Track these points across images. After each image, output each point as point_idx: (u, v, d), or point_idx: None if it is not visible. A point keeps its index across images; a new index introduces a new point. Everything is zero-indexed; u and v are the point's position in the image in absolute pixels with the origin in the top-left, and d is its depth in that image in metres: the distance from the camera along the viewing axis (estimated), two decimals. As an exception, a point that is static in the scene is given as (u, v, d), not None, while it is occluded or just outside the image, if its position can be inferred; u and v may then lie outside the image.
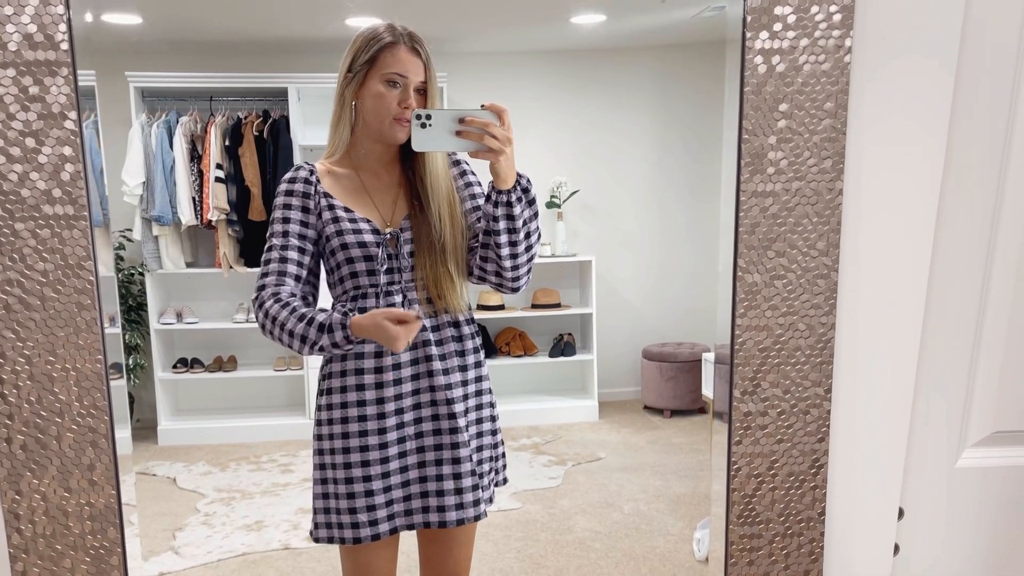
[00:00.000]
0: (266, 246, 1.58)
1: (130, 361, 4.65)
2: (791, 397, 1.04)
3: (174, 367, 4.89)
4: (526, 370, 5.34)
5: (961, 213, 1.07)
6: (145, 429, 4.81)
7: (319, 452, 1.60)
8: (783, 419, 1.05)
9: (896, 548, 1.23)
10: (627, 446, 4.60)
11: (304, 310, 1.49)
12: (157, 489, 4.08)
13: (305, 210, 1.56)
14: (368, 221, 1.56)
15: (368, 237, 1.55)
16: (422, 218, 1.56)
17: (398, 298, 1.55)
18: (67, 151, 0.91)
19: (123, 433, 1.03)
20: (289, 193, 1.56)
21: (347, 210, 1.56)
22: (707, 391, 3.17)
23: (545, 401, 5.20)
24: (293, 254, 1.56)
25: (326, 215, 1.56)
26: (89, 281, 0.93)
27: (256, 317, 1.53)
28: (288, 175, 1.59)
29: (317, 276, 1.61)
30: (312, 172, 1.58)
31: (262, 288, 1.54)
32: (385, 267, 1.55)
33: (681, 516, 3.56)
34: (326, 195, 1.56)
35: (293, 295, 1.55)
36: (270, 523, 3.58)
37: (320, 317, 1.46)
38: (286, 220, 1.56)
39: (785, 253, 1.02)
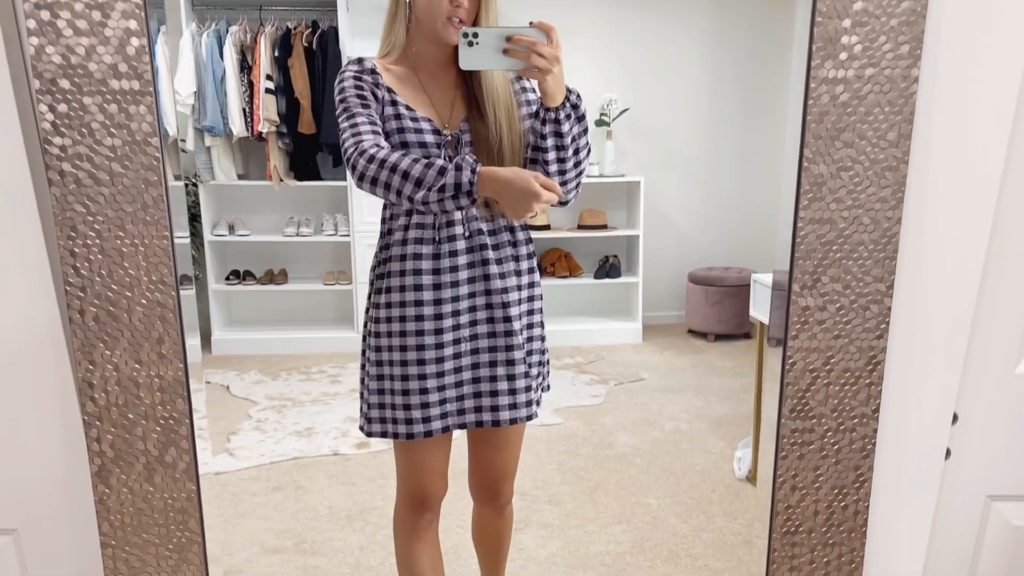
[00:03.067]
0: (344, 119, 1.50)
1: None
2: (851, 292, 1.02)
3: (227, 279, 5.00)
4: (571, 291, 5.35)
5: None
6: (200, 339, 4.96)
7: (376, 349, 1.62)
8: (841, 314, 1.03)
9: (948, 452, 1.23)
10: (670, 368, 4.62)
11: (419, 157, 1.43)
12: (211, 396, 4.23)
13: (374, 96, 1.52)
14: (429, 121, 1.54)
15: (429, 138, 1.53)
16: (480, 122, 1.54)
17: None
18: (132, 24, 0.91)
19: (193, 340, 1.06)
20: (358, 78, 1.51)
21: (409, 108, 1.54)
22: (755, 313, 3.15)
23: (589, 322, 5.22)
24: (373, 126, 1.49)
25: (388, 110, 1.53)
26: (155, 158, 0.94)
27: (354, 166, 1.43)
28: (351, 65, 1.54)
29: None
30: (373, 68, 1.57)
31: (359, 140, 1.45)
32: None
33: (722, 436, 3.58)
34: (389, 90, 1.53)
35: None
36: (320, 430, 3.69)
37: (440, 161, 1.40)
38: (359, 93, 1.50)
39: (854, 144, 0.99)
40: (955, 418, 1.22)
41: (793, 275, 1.01)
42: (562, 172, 1.52)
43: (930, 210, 1.04)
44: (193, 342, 1.07)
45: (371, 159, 1.42)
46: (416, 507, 1.75)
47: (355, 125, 1.48)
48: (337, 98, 1.53)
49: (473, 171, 1.38)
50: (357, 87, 1.52)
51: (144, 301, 0.98)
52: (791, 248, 1.01)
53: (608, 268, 5.15)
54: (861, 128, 0.98)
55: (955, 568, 1.34)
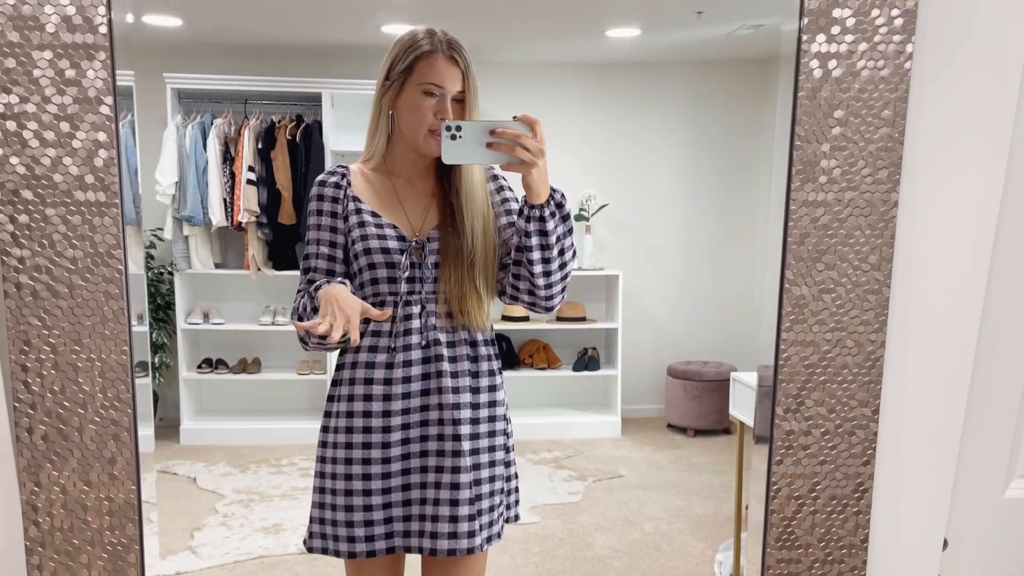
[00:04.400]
0: (304, 254, 1.57)
1: (155, 359, 4.68)
2: (836, 417, 0.99)
3: (199, 367, 4.90)
4: (549, 383, 5.29)
5: (1022, 233, 1.02)
6: (168, 428, 4.81)
7: (321, 460, 1.56)
8: (827, 440, 1.00)
9: (939, 581, 1.18)
10: (649, 464, 4.53)
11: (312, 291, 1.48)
12: (177, 488, 4.08)
13: (334, 215, 1.53)
14: (395, 227, 1.52)
15: (392, 244, 1.51)
16: (452, 230, 1.51)
17: (416, 308, 1.51)
18: (101, 136, 0.89)
19: (146, 431, 1.01)
20: (320, 198, 1.54)
21: (374, 215, 1.53)
22: (734, 411, 3.11)
23: (567, 415, 5.15)
24: (322, 264, 1.54)
25: (352, 219, 1.52)
26: (118, 271, 0.91)
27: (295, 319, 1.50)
28: (320, 177, 1.57)
29: (351, 278, 1.59)
30: (344, 176, 1.56)
31: (300, 285, 1.54)
32: (407, 275, 1.51)
33: (703, 537, 3.49)
34: (355, 199, 1.53)
35: None
36: (288, 527, 3.56)
37: (315, 287, 1.47)
38: (318, 227, 1.54)
39: (835, 266, 0.98)
40: (945, 543, 1.18)
41: (776, 398, 0.99)
42: (547, 274, 1.47)
43: (913, 333, 1.03)
44: (147, 432, 1.01)
45: (296, 306, 1.51)
46: None
47: (304, 271, 1.56)
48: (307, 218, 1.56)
49: (327, 282, 1.45)
50: (317, 211, 1.55)
51: (97, 419, 0.93)
52: (774, 371, 0.98)
53: (587, 360, 5.12)
54: (842, 251, 0.98)
55: None
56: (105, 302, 0.92)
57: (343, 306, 1.37)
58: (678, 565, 3.22)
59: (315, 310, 1.45)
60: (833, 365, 0.99)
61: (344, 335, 1.34)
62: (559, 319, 5.09)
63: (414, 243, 1.52)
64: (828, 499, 1.01)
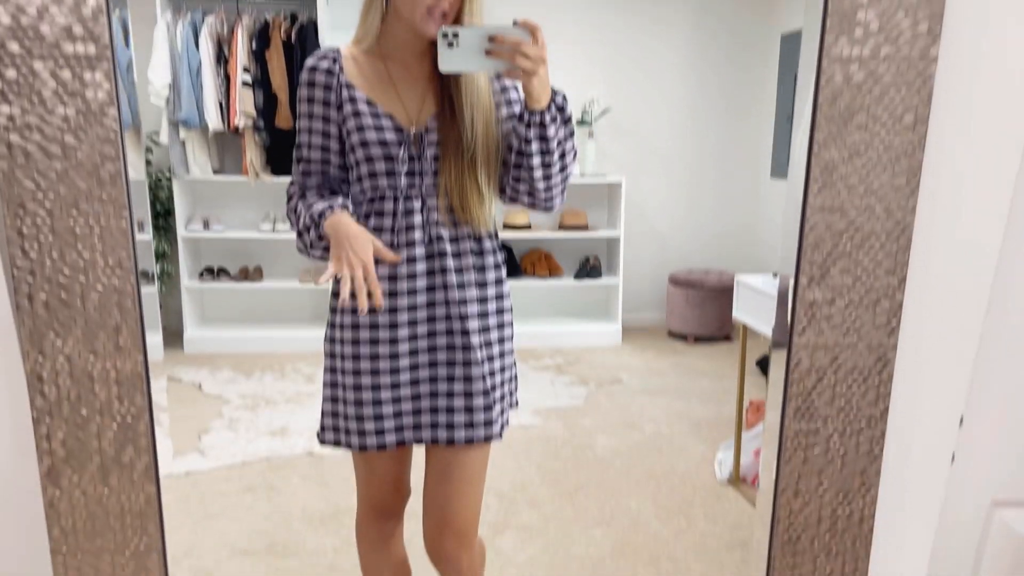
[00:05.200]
0: (295, 142, 1.52)
1: (157, 268, 4.65)
2: (861, 286, 0.96)
3: (200, 276, 4.88)
4: (551, 292, 5.28)
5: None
6: (171, 336, 4.82)
7: (330, 356, 1.55)
8: (850, 310, 0.97)
9: (953, 457, 1.18)
10: (650, 370, 4.57)
11: (312, 206, 1.46)
12: (182, 394, 4.12)
13: (326, 104, 1.47)
14: (391, 117, 1.46)
15: (389, 136, 1.45)
16: (451, 120, 1.45)
17: (417, 203, 1.47)
18: (89, -19, 0.83)
19: (154, 338, 0.99)
20: (311, 84, 1.47)
21: (370, 103, 1.46)
22: (738, 314, 3.11)
23: (569, 324, 5.16)
24: (315, 154, 1.50)
25: (347, 108, 1.46)
26: (113, 130, 0.86)
27: (290, 221, 1.52)
28: (310, 62, 1.49)
29: (346, 169, 1.54)
30: (335, 60, 1.48)
31: (289, 198, 1.53)
32: (406, 169, 1.46)
33: (703, 439, 3.53)
34: (348, 86, 1.46)
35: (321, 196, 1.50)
36: (294, 430, 3.60)
37: (313, 208, 1.45)
38: (309, 116, 1.49)
39: (868, 127, 0.93)
40: (961, 420, 1.17)
41: (800, 267, 0.95)
42: (547, 177, 1.44)
43: (945, 199, 0.99)
44: (155, 339, 0.99)
45: (288, 202, 1.51)
46: (376, 516, 1.67)
47: (297, 161, 1.53)
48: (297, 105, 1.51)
49: (331, 207, 1.42)
50: (309, 99, 1.49)
51: (100, 287, 0.90)
52: (799, 238, 0.95)
53: (589, 269, 5.10)
54: (876, 111, 0.93)
55: (957, 575, 1.29)
56: (101, 164, 0.87)
57: (356, 249, 1.36)
58: (678, 465, 3.27)
59: (320, 237, 1.43)
60: (861, 232, 0.96)
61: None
62: (561, 227, 5.05)
63: (412, 134, 1.46)
64: (849, 370, 0.99)
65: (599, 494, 3.00)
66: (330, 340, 1.55)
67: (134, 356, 0.92)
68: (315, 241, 1.44)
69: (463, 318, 1.50)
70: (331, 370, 1.56)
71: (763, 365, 4.29)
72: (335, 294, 1.54)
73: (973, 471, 1.22)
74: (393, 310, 1.49)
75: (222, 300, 5.07)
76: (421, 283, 1.48)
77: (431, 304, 1.50)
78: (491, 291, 1.55)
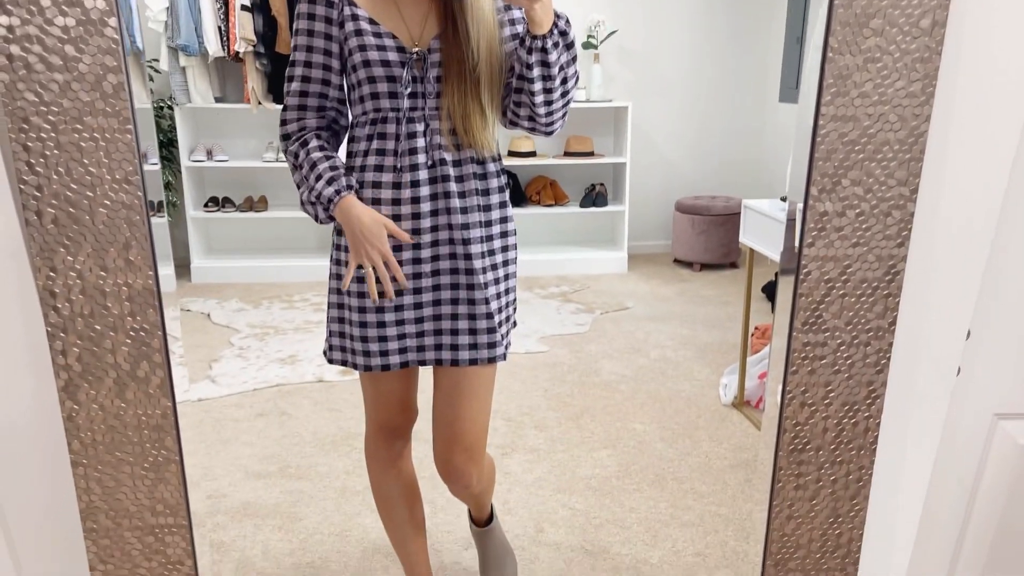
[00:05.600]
0: (290, 59, 1.48)
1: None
2: (873, 197, 0.95)
3: (205, 206, 4.87)
4: (556, 220, 5.27)
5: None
6: (178, 267, 4.84)
7: (338, 277, 1.57)
8: (861, 220, 0.97)
9: (959, 370, 1.19)
10: (656, 297, 4.58)
11: (319, 175, 1.44)
12: (191, 323, 4.16)
13: (328, 20, 1.43)
14: (394, 37, 1.43)
15: (392, 56, 1.42)
16: (454, 41, 1.42)
17: (420, 126, 1.45)
18: None
19: (166, 270, 0.99)
20: (311, 1, 1.44)
21: (372, 22, 1.43)
22: (744, 239, 3.09)
23: (574, 251, 5.16)
24: (316, 73, 1.46)
25: (349, 26, 1.42)
26: (114, 40, 0.84)
27: (286, 157, 1.51)
28: None
29: (344, 94, 1.52)
30: None
31: (284, 123, 1.50)
32: (408, 90, 1.44)
33: (708, 363, 3.57)
34: (350, 3, 1.43)
35: (319, 130, 1.49)
36: (303, 358, 3.64)
37: (317, 184, 1.44)
38: (309, 33, 1.45)
39: (883, 32, 0.91)
40: (968, 334, 1.18)
41: (811, 178, 0.94)
42: (548, 103, 1.44)
43: (960, 107, 0.97)
44: (167, 270, 0.99)
45: (294, 159, 1.49)
46: (384, 436, 1.71)
47: (290, 79, 1.49)
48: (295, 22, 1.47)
49: (338, 191, 1.42)
50: (309, 15, 1.45)
51: (107, 202, 0.90)
52: (810, 148, 0.93)
53: (595, 196, 5.07)
54: (892, 14, 0.90)
55: (958, 486, 1.32)
56: (103, 76, 0.86)
57: (373, 241, 1.41)
58: (683, 388, 3.31)
59: (329, 217, 1.46)
60: (874, 142, 0.94)
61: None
62: (566, 154, 5.00)
63: (415, 55, 1.43)
64: (858, 282, 0.99)
65: (605, 417, 3.05)
66: (336, 262, 1.56)
67: (145, 272, 0.92)
68: (322, 218, 1.47)
69: (466, 242, 1.50)
70: (337, 291, 1.57)
71: (769, 291, 4.30)
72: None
73: (977, 384, 1.23)
74: None
75: (228, 230, 5.07)
76: (426, 207, 1.48)
77: (435, 228, 1.50)
78: (495, 214, 1.56)
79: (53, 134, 0.86)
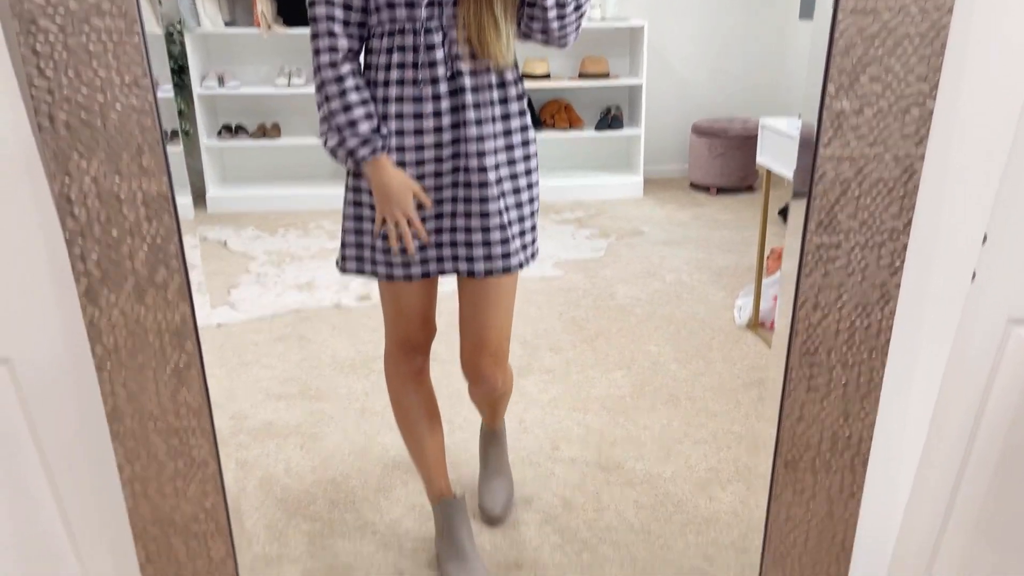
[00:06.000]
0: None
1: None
2: (891, 94, 0.93)
3: (218, 134, 4.85)
4: (571, 144, 5.21)
5: None
6: (194, 197, 4.85)
7: (355, 190, 1.58)
8: (879, 119, 0.95)
9: (974, 275, 1.18)
10: (671, 221, 4.56)
11: (354, 114, 1.46)
12: (208, 251, 4.19)
13: None
14: None
15: None
16: None
17: (437, 36, 1.44)
18: None
19: (184, 199, 1.00)
20: None
21: None
22: (762, 159, 3.06)
23: (590, 176, 5.12)
24: (331, 5, 1.44)
25: None
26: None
27: (316, 84, 1.49)
28: None
29: (367, 10, 1.49)
30: None
31: (316, 51, 1.46)
32: (426, 0, 1.42)
33: (723, 287, 3.57)
34: None
35: (350, 55, 1.47)
36: (320, 284, 3.67)
37: (351, 140, 1.46)
38: None
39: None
40: (985, 238, 1.17)
41: (829, 75, 0.92)
42: (561, 17, 1.44)
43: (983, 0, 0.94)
44: (185, 200, 1.00)
45: (325, 97, 1.47)
46: (404, 352, 1.75)
47: (313, 7, 1.46)
48: None
49: (374, 152, 1.47)
50: None
51: (118, 107, 0.90)
52: (828, 43, 0.91)
53: (610, 120, 5.00)
54: None
55: (971, 391, 1.32)
56: (108, -26, 0.85)
57: (400, 203, 1.48)
58: (698, 311, 3.32)
59: (356, 164, 1.51)
60: (894, 36, 0.92)
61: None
62: (581, 75, 4.92)
63: None
64: (874, 182, 0.98)
65: (619, 340, 3.07)
66: (355, 174, 1.56)
67: (159, 179, 0.93)
68: (349, 167, 1.55)
69: (480, 154, 1.51)
70: (355, 203, 1.58)
71: (785, 214, 4.27)
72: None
73: (992, 289, 1.22)
74: (419, 147, 1.50)
75: (241, 159, 5.06)
76: (446, 120, 1.49)
77: (455, 141, 1.51)
78: (514, 123, 1.57)
79: (61, 36, 0.85)
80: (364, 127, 1.45)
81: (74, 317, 1.07)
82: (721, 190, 5.07)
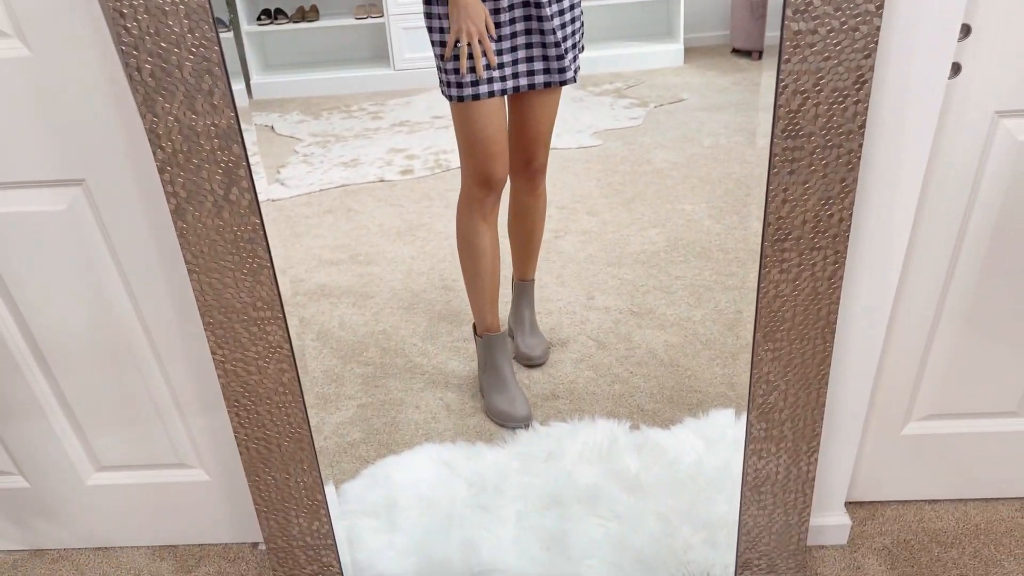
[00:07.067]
0: None
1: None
2: (841, 14, 1.07)
3: (258, 19, 4.94)
4: (608, 12, 5.15)
5: None
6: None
7: (428, 16, 1.78)
8: (831, 36, 1.09)
9: (958, 68, 1.27)
10: (712, 88, 4.55)
11: None
12: (257, 135, 4.38)
13: None
14: None
15: None
16: None
17: None
18: None
19: (238, 85, 1.17)
20: None
21: None
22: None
23: (628, 46, 5.09)
24: None
25: None
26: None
27: None
28: None
29: None
30: None
31: None
32: None
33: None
34: None
35: None
36: (365, 161, 3.86)
37: None
38: None
39: None
40: (968, 31, 1.24)
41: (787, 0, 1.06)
42: None
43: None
44: (239, 87, 1.19)
45: None
46: (480, 187, 1.91)
47: None
48: None
49: None
50: None
51: (192, 58, 1.09)
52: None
53: (647, -16, 4.92)
54: None
55: (958, 186, 1.40)
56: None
57: (473, 19, 1.67)
58: (734, 170, 3.38)
59: None
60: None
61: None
62: (617, -63, 4.81)
63: None
64: (830, 91, 1.13)
65: (655, 201, 3.20)
66: (428, 3, 1.78)
67: (227, 114, 1.13)
68: None
69: None
70: (429, 30, 1.80)
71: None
72: None
73: (978, 82, 1.30)
74: None
75: (282, 43, 5.16)
76: None
77: None
78: None
79: (143, 1, 1.04)
80: None
81: (169, 232, 1.32)
82: (764, 54, 5.01)
